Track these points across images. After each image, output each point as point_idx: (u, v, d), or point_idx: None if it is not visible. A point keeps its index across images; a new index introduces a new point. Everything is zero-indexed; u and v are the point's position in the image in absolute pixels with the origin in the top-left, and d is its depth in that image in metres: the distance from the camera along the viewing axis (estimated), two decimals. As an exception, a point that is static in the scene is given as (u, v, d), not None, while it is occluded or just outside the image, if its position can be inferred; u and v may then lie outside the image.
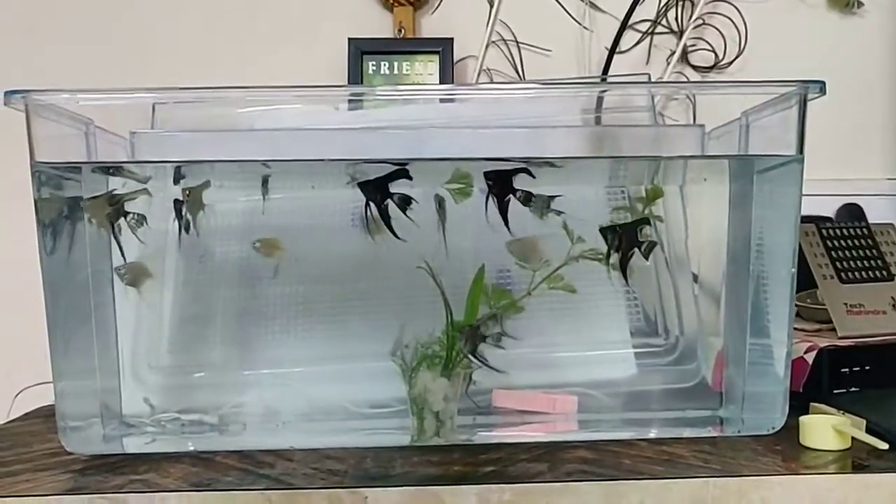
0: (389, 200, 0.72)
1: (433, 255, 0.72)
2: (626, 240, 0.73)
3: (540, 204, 0.71)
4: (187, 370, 0.77)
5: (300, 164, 0.73)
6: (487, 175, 0.72)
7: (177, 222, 0.73)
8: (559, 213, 0.72)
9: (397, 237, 0.72)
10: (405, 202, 0.71)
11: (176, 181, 0.73)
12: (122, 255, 0.73)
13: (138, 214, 0.72)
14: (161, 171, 0.74)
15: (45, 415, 0.85)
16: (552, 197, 0.72)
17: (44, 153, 0.68)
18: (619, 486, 0.62)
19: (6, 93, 0.67)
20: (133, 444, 0.73)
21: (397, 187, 0.72)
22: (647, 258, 0.73)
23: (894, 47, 1.24)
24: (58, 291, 0.70)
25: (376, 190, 0.71)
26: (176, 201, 0.73)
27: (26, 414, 0.89)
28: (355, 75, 1.15)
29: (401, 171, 0.71)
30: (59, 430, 0.70)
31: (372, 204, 0.72)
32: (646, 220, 0.74)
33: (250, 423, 0.75)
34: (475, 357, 0.72)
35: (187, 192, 0.73)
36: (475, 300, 0.72)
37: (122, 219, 0.72)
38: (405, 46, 1.18)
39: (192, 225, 0.74)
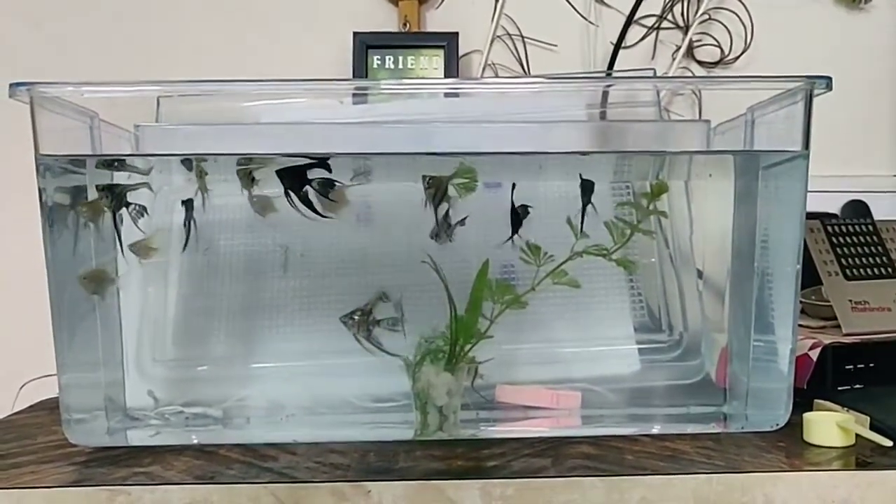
0: (308, 186, 0.72)
1: (438, 249, 0.72)
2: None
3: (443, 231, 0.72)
4: (191, 363, 0.77)
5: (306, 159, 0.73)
6: (425, 178, 0.72)
7: (185, 220, 0.73)
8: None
9: (321, 215, 0.72)
10: (326, 186, 0.71)
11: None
12: (121, 246, 0.73)
13: (139, 205, 0.72)
14: (166, 164, 0.74)
15: (50, 407, 0.85)
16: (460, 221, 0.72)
17: (48, 146, 0.68)
18: (623, 481, 0.62)
19: (11, 85, 0.67)
20: (137, 437, 0.73)
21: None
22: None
23: (901, 43, 1.24)
24: (62, 284, 0.70)
25: (294, 177, 0.71)
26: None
27: (30, 406, 0.89)
28: (360, 69, 1.15)
29: (321, 161, 0.71)
30: (64, 423, 0.70)
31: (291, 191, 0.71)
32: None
33: (254, 416, 0.75)
34: (370, 342, 0.72)
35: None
36: (479, 295, 0.72)
37: (125, 209, 0.72)
38: (410, 41, 1.17)
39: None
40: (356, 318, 0.72)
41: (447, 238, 0.72)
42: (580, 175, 0.73)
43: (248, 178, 0.72)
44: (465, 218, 0.72)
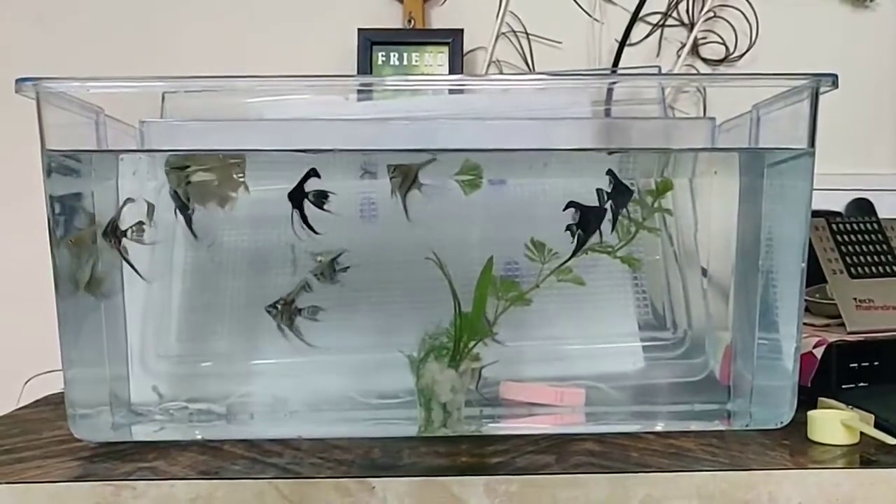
0: (305, 199, 0.72)
1: (442, 245, 0.72)
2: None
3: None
4: (195, 359, 0.78)
5: (309, 155, 0.73)
6: (390, 167, 0.72)
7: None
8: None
9: (315, 232, 0.73)
10: (321, 198, 0.71)
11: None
12: (137, 272, 0.73)
13: (136, 225, 0.72)
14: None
15: (54, 402, 0.85)
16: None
17: (54, 141, 0.68)
18: (627, 478, 0.62)
19: (17, 80, 0.67)
20: (141, 432, 0.74)
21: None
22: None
23: (907, 41, 1.23)
24: (68, 280, 0.70)
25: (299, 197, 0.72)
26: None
27: (35, 401, 0.89)
28: (365, 66, 1.15)
29: (310, 171, 0.72)
30: (69, 418, 0.70)
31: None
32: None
33: (258, 412, 0.75)
34: (291, 330, 0.73)
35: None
36: (483, 291, 0.72)
37: (124, 237, 0.72)
38: (415, 37, 1.17)
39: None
40: (279, 307, 0.72)
41: (329, 280, 0.73)
42: (614, 176, 0.73)
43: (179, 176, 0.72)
44: (344, 263, 0.73)
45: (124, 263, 0.73)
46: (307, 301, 0.74)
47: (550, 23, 1.20)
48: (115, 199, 0.72)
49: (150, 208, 0.72)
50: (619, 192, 0.73)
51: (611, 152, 0.74)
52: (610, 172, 0.72)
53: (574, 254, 0.72)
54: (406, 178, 0.71)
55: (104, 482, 0.61)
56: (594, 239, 0.73)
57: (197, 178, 0.71)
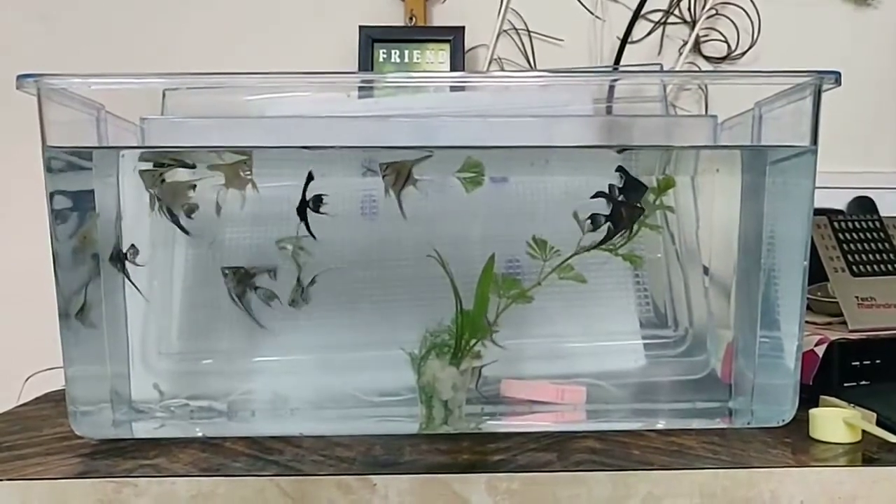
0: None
1: (444, 243, 0.72)
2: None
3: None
4: (197, 356, 0.78)
5: (310, 152, 0.73)
6: (382, 165, 0.72)
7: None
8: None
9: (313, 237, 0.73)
10: (317, 202, 0.71)
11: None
12: (138, 289, 0.74)
13: (130, 248, 0.73)
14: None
15: (55, 399, 0.85)
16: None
17: (55, 138, 0.68)
18: (628, 476, 0.61)
19: (19, 76, 0.67)
20: (142, 429, 0.73)
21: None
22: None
23: (909, 39, 1.23)
24: (68, 277, 0.70)
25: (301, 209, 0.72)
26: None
27: (36, 398, 0.89)
28: (366, 63, 1.15)
29: (308, 178, 0.72)
30: (70, 415, 0.70)
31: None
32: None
33: (259, 409, 0.75)
34: (241, 302, 0.72)
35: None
36: (485, 289, 0.72)
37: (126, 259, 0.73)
38: (416, 35, 1.17)
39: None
40: (235, 273, 0.72)
41: (302, 301, 0.73)
42: (625, 172, 0.72)
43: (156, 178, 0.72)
44: (315, 276, 0.73)
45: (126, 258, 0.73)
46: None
47: (552, 20, 1.20)
48: (115, 195, 0.72)
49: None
50: (632, 188, 0.73)
51: (620, 151, 0.74)
52: (620, 168, 0.72)
53: (602, 242, 0.73)
54: (399, 175, 0.71)
55: (105, 479, 0.61)
56: (595, 236, 0.73)
57: (170, 178, 0.71)
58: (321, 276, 0.75)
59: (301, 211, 0.72)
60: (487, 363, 0.73)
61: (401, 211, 0.72)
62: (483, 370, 0.73)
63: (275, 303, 0.74)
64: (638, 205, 0.73)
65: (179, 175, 0.72)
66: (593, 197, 0.72)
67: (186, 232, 0.74)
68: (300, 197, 0.72)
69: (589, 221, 0.72)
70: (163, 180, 0.71)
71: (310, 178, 0.72)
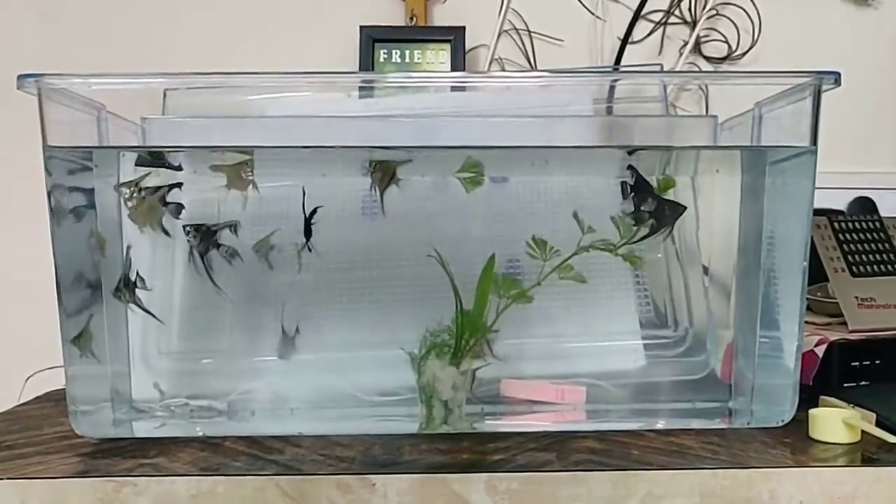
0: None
1: (444, 243, 0.72)
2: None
3: None
4: (197, 356, 0.78)
5: (311, 152, 0.73)
6: (372, 163, 0.73)
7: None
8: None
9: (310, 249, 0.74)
10: (311, 213, 0.73)
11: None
12: (154, 317, 0.75)
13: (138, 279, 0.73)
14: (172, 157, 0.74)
15: (55, 398, 0.86)
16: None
17: (56, 137, 0.68)
18: (628, 476, 0.61)
19: (19, 76, 0.67)
20: (142, 429, 0.73)
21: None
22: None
23: (909, 40, 1.23)
24: (69, 276, 0.70)
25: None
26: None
27: (37, 397, 0.89)
28: (367, 63, 1.15)
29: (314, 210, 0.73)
30: (70, 414, 0.70)
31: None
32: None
33: (259, 409, 0.75)
34: (203, 260, 0.72)
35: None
36: (485, 289, 0.72)
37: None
38: (417, 35, 1.17)
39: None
40: (200, 230, 0.71)
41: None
42: (635, 171, 0.73)
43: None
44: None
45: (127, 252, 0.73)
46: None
47: (552, 20, 1.20)
48: (116, 195, 0.72)
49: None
50: (642, 188, 0.73)
51: (631, 152, 0.74)
52: (631, 167, 0.73)
53: (645, 237, 0.74)
54: (385, 174, 0.71)
55: (105, 478, 0.61)
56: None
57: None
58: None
59: (307, 232, 0.73)
60: (481, 366, 0.73)
61: (381, 209, 0.72)
62: (479, 371, 0.73)
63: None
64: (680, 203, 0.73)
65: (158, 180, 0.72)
66: (630, 191, 0.73)
67: (167, 234, 0.74)
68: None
69: (631, 218, 0.73)
70: (143, 197, 0.72)
71: (314, 211, 0.73)
